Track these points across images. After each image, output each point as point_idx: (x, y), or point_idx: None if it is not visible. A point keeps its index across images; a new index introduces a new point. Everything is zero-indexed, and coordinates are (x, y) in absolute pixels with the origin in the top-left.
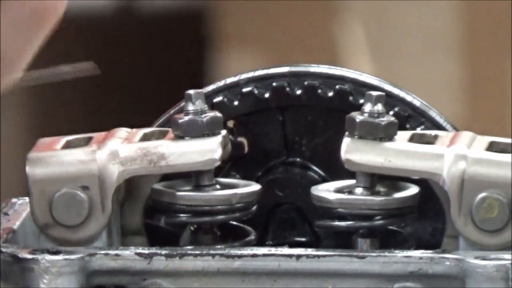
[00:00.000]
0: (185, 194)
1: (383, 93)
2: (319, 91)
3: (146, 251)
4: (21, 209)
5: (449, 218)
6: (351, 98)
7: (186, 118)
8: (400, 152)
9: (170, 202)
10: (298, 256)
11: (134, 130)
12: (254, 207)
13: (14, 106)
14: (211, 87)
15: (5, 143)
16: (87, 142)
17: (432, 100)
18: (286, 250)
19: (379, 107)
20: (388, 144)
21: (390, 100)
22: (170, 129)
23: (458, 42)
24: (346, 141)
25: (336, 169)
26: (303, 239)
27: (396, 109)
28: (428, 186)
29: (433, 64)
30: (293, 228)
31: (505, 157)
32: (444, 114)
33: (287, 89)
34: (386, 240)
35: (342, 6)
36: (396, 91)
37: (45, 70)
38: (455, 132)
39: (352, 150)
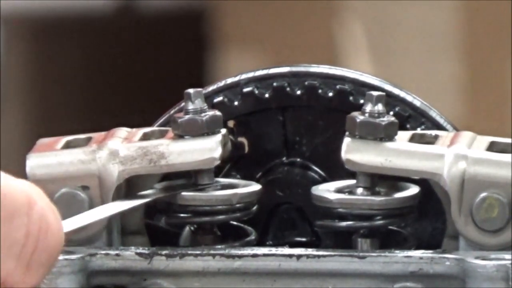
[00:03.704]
0: (186, 194)
1: (383, 93)
2: (320, 91)
3: (146, 251)
4: None
5: (449, 218)
6: (351, 98)
7: (186, 117)
8: (400, 152)
9: (170, 202)
10: (299, 256)
11: (134, 129)
12: (255, 207)
13: (14, 106)
14: (211, 87)
15: (5, 143)
16: (87, 142)
17: (432, 100)
18: (286, 250)
19: (380, 107)
20: (388, 144)
21: (390, 100)
22: (170, 129)
23: (458, 42)
24: (347, 141)
25: (337, 169)
26: (304, 239)
27: (396, 109)
28: (429, 186)
29: (433, 64)
30: (294, 228)
31: (505, 157)
32: (444, 114)
33: (288, 89)
34: (386, 240)
35: (342, 6)
36: (396, 91)
37: None
38: (455, 132)
39: (352, 150)
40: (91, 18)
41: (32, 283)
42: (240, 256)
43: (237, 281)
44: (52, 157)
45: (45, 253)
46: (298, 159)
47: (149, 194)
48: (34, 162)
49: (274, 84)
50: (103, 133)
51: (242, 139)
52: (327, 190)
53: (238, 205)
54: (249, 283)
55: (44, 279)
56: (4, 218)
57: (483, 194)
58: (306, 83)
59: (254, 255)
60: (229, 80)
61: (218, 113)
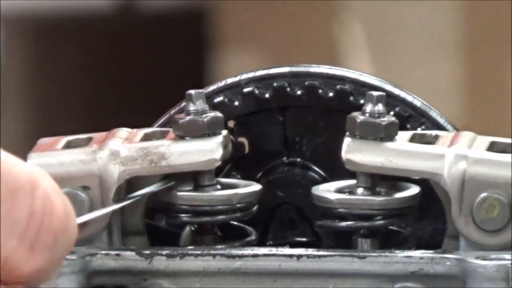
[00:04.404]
0: (186, 194)
1: (383, 93)
2: (320, 91)
3: (146, 251)
4: None
5: (449, 218)
6: (351, 98)
7: (187, 118)
8: (400, 152)
9: (170, 202)
10: (299, 256)
11: (135, 130)
12: (255, 207)
13: (14, 106)
14: (211, 87)
15: (5, 143)
16: (87, 142)
17: (432, 100)
18: (286, 250)
19: (380, 107)
20: (388, 144)
21: (390, 100)
22: (170, 129)
23: (458, 42)
24: (347, 141)
25: (337, 169)
26: (304, 239)
27: (396, 109)
28: (429, 186)
29: (433, 64)
30: (294, 228)
31: (505, 157)
32: (444, 114)
33: (288, 89)
34: (386, 240)
35: (342, 6)
36: (396, 91)
37: None
38: (455, 132)
39: (352, 150)
40: (91, 18)
41: (36, 265)
42: (241, 256)
43: (237, 281)
44: (53, 157)
45: (50, 235)
46: (299, 159)
47: (148, 192)
48: (35, 161)
49: (274, 84)
50: (103, 133)
51: (243, 139)
52: (327, 190)
53: (238, 205)
54: (250, 283)
55: (52, 263)
56: (5, 195)
57: (484, 194)
58: (306, 83)
59: (255, 255)
60: (229, 80)
61: (219, 114)
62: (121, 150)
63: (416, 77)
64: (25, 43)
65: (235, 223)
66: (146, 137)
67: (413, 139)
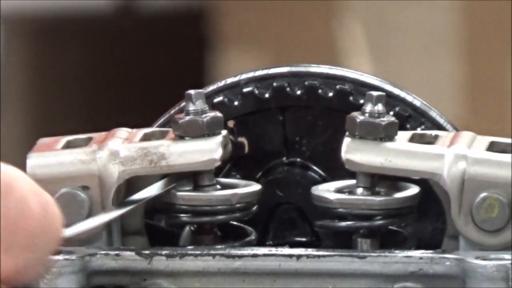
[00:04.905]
0: (185, 194)
1: (383, 93)
2: (320, 91)
3: (146, 251)
4: None
5: (449, 218)
6: (351, 98)
7: (187, 118)
8: (400, 152)
9: (170, 202)
10: (299, 256)
11: (135, 130)
12: (255, 207)
13: (14, 106)
14: (211, 87)
15: (5, 143)
16: (87, 142)
17: (432, 100)
18: (286, 250)
19: (380, 107)
20: (388, 144)
21: (390, 100)
22: (170, 129)
23: (458, 42)
24: (347, 141)
25: (337, 169)
26: (304, 239)
27: (396, 109)
28: (429, 186)
29: (433, 64)
30: (294, 228)
31: (505, 157)
32: (444, 114)
33: (288, 89)
34: (386, 240)
35: (342, 6)
36: (396, 91)
37: None
38: (455, 132)
39: (352, 150)
40: (91, 18)
41: (13, 265)
42: (240, 256)
43: (237, 281)
44: (53, 157)
45: (26, 236)
46: (298, 159)
47: (149, 197)
48: (35, 161)
49: (274, 84)
50: (103, 133)
51: (242, 139)
52: (327, 190)
53: (238, 205)
54: (249, 283)
55: (31, 264)
56: None
57: (483, 194)
58: (306, 83)
59: (254, 255)
60: (229, 80)
61: (219, 114)
62: (120, 150)
63: (416, 77)
64: (25, 43)
65: (234, 223)
66: (146, 137)
67: (412, 139)
